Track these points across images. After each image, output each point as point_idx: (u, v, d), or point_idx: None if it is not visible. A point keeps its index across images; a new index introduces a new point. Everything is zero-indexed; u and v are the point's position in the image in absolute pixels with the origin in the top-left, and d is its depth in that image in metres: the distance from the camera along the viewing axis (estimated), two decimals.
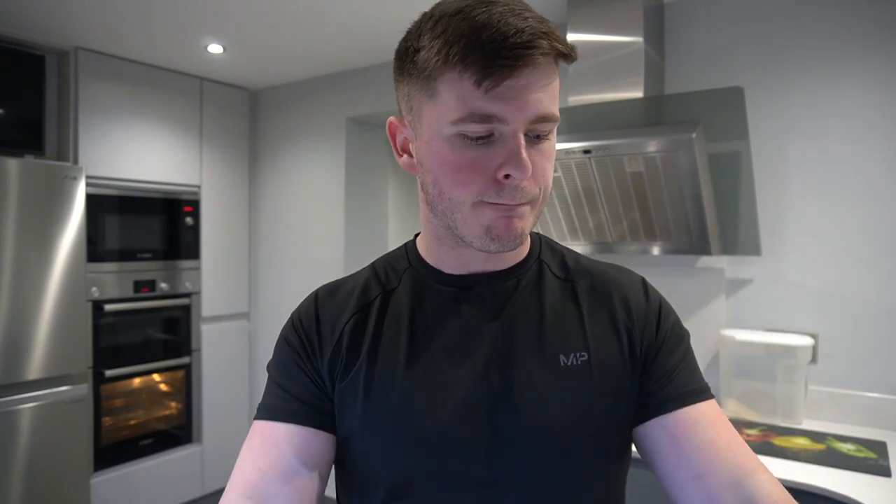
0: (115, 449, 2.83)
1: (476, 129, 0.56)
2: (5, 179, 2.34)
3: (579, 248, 2.17)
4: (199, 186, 3.19)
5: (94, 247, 2.72)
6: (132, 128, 2.90)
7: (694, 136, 1.69)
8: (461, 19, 0.55)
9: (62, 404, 2.47)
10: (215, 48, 2.73)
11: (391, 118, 0.67)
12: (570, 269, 0.74)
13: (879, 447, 1.65)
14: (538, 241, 0.75)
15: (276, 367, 0.71)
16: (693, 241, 1.94)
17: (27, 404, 2.37)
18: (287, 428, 0.65)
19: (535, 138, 0.59)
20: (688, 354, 0.70)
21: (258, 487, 0.62)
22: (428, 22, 0.59)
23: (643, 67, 1.92)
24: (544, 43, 0.54)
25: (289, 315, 0.74)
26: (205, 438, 3.20)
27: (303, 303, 0.74)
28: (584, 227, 2.10)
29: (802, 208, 1.95)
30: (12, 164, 2.36)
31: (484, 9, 0.55)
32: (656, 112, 2.02)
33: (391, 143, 0.68)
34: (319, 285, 0.76)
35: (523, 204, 0.60)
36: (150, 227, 2.98)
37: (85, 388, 2.56)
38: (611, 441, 0.66)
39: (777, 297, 1.99)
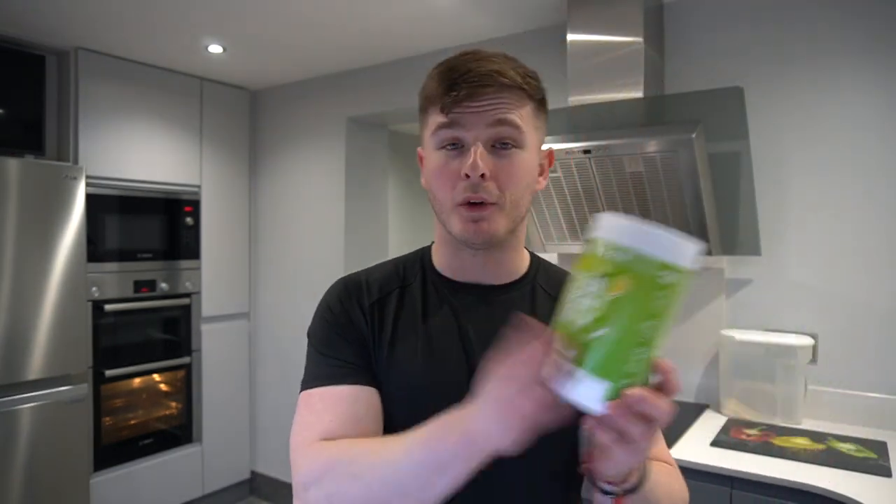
0: (115, 449, 2.83)
1: (445, 134, 0.73)
2: (5, 179, 2.34)
3: (579, 248, 2.17)
4: (199, 186, 3.19)
5: (94, 247, 2.72)
6: (132, 128, 2.90)
7: (694, 136, 1.69)
8: (442, 68, 0.75)
9: (62, 404, 2.47)
10: (215, 48, 2.73)
11: (420, 148, 0.82)
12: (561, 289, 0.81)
13: (879, 447, 1.65)
14: (536, 264, 0.86)
15: (322, 341, 0.78)
16: None
17: (27, 404, 2.37)
18: (351, 389, 0.73)
19: (501, 148, 0.72)
20: None
21: (329, 430, 0.69)
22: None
23: (643, 67, 1.92)
24: (488, 79, 0.71)
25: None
26: (205, 438, 3.20)
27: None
28: (584, 228, 2.10)
29: (802, 208, 1.95)
30: (12, 164, 2.36)
31: (455, 58, 0.74)
32: (656, 112, 2.02)
33: (420, 170, 0.82)
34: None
35: (488, 205, 0.72)
36: (150, 227, 2.98)
37: (85, 388, 2.56)
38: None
39: (777, 298, 1.99)
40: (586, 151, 1.87)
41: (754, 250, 1.99)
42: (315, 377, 0.75)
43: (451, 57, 0.75)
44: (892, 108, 1.81)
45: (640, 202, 1.93)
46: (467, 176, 0.71)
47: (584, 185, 1.98)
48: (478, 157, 0.70)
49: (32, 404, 2.39)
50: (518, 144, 0.73)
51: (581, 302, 0.52)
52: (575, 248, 2.17)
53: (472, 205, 0.72)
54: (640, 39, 1.92)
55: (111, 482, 2.78)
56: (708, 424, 1.87)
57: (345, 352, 0.75)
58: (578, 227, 2.11)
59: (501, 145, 0.72)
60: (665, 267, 0.49)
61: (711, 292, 2.08)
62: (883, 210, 1.82)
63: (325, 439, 0.68)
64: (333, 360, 0.75)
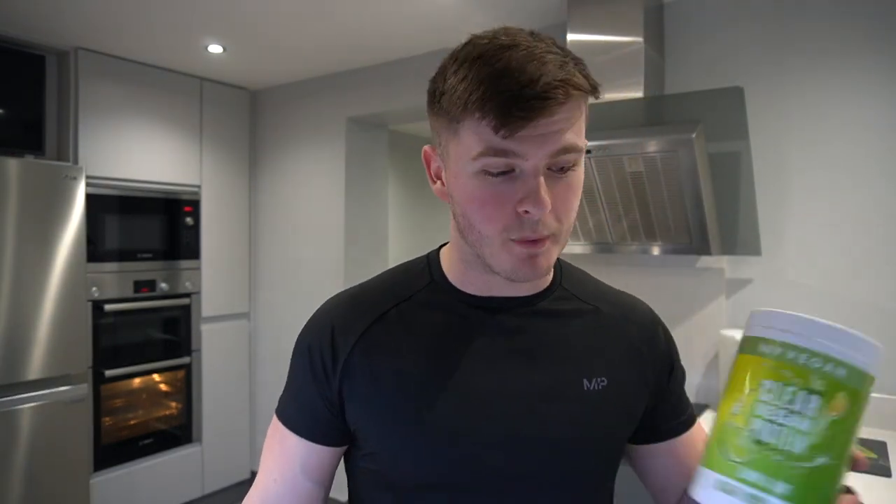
0: (115, 449, 2.83)
1: (495, 162, 0.58)
2: (5, 179, 2.34)
3: (579, 248, 2.17)
4: (199, 186, 3.19)
5: (94, 247, 2.72)
6: (132, 128, 2.90)
7: (694, 136, 1.69)
8: (481, 65, 0.57)
9: (62, 404, 2.47)
10: (215, 48, 2.73)
11: (426, 146, 0.69)
12: (592, 294, 0.77)
13: (879, 447, 1.65)
14: (559, 267, 0.77)
15: (293, 375, 0.73)
16: (693, 241, 1.94)
17: (27, 404, 2.37)
18: (298, 441, 0.71)
19: (559, 171, 0.61)
20: (683, 387, 0.82)
21: (271, 492, 0.72)
22: (452, 65, 0.60)
23: (643, 67, 1.92)
24: (559, 93, 0.56)
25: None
26: (205, 438, 3.20)
27: (319, 312, 0.74)
28: (584, 228, 2.10)
29: (803, 208, 1.95)
30: (12, 164, 2.36)
31: (504, 54, 0.56)
32: (656, 112, 2.02)
33: (426, 170, 0.70)
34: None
35: (545, 239, 0.61)
36: (150, 227, 2.98)
37: (85, 388, 2.56)
38: (618, 459, 0.75)
39: (777, 297, 1.99)
40: (587, 151, 1.87)
41: (754, 250, 1.99)
42: (283, 411, 0.73)
43: (490, 50, 0.57)
44: (893, 107, 1.81)
45: (640, 202, 1.93)
46: (527, 212, 0.58)
47: (584, 185, 1.97)
48: (543, 191, 0.58)
49: (32, 404, 2.38)
50: (576, 165, 0.63)
51: (788, 420, 0.42)
52: (575, 248, 2.17)
53: (528, 241, 0.61)
54: (640, 39, 1.92)
55: (111, 482, 2.78)
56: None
57: (308, 401, 0.70)
58: (578, 227, 2.11)
59: (559, 168, 0.61)
60: (872, 380, 0.40)
61: (711, 292, 2.08)
62: (883, 210, 1.82)
63: (262, 500, 0.71)
64: (300, 406, 0.71)
